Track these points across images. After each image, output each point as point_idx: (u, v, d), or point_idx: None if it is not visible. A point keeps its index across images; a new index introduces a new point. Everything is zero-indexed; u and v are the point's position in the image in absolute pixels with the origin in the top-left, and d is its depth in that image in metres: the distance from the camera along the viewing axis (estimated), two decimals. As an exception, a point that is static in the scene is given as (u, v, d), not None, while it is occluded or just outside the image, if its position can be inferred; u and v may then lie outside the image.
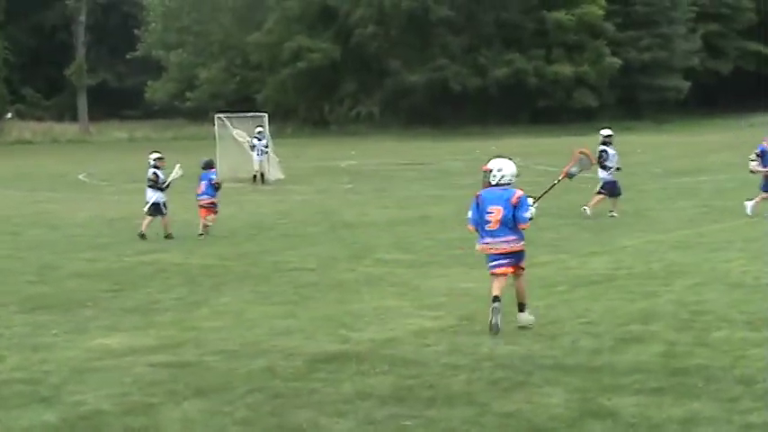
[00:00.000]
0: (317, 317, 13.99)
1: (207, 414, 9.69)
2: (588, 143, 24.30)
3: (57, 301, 15.68)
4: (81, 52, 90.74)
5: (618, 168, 25.73)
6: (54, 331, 13.47)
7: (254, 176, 38.98)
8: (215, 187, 24.07)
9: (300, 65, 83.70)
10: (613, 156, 25.67)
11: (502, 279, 12.73)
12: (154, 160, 24.13)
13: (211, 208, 23.95)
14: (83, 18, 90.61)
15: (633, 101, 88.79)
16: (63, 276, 18.20)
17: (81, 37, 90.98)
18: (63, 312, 14.79)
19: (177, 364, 11.52)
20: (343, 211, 28.08)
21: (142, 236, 22.97)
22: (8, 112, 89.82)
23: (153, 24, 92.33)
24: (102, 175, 45.51)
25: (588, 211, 25.03)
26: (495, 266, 12.78)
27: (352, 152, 59.39)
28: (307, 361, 11.48)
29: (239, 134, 40.90)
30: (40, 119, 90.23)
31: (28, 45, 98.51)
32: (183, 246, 21.91)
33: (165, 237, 23.24)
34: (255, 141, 39.19)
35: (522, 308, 12.93)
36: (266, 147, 39.58)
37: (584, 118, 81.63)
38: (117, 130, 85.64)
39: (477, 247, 13.05)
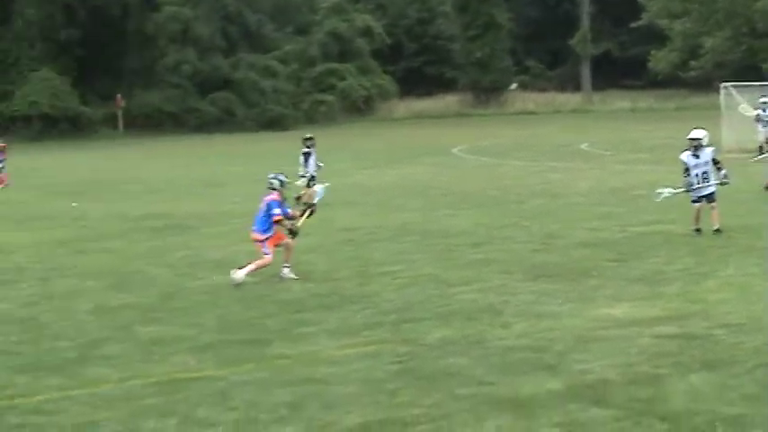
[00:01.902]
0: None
1: (713, 387, 9.42)
2: None
3: (561, 270, 15.82)
4: (585, 22, 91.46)
5: None
6: (559, 300, 13.60)
7: (760, 148, 37.35)
8: None
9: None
10: None
11: None
12: None
13: None
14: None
15: None
16: (567, 245, 18.33)
17: (585, 7, 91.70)
18: (567, 281, 14.90)
19: (684, 336, 11.26)
20: None
21: None
22: (513, 83, 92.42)
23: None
24: (605, 144, 45.56)
25: None
26: None
27: None
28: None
29: (744, 108, 39.31)
30: (543, 89, 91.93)
31: (532, 17, 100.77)
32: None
33: None
34: (760, 112, 37.56)
35: None
36: (773, 117, 37.85)
37: None
38: (619, 100, 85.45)
39: None
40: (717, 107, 42.18)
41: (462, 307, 13.45)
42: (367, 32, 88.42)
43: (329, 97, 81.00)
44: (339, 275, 16.29)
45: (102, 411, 9.68)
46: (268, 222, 16.54)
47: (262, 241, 16.59)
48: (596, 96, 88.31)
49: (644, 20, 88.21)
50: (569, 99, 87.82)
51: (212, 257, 18.72)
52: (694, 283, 14.29)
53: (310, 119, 78.35)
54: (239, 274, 16.00)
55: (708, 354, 10.52)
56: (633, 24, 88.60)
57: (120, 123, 72.85)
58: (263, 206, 16.67)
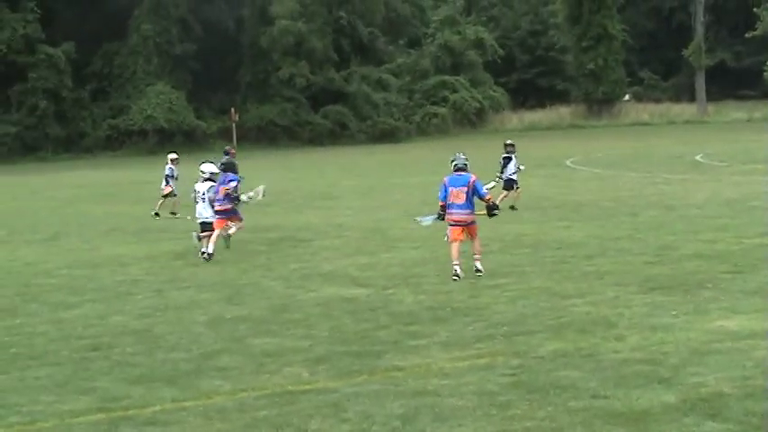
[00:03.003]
0: None
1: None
2: None
3: (675, 282, 15.60)
4: (699, 32, 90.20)
5: None
6: (673, 312, 13.41)
7: None
8: None
9: None
10: None
11: None
12: None
13: None
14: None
15: None
16: (681, 257, 18.06)
17: (700, 17, 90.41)
18: (682, 293, 14.68)
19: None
20: None
21: None
22: (626, 94, 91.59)
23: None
24: (720, 155, 44.84)
25: None
26: None
27: None
28: None
29: None
30: (657, 100, 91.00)
31: (646, 28, 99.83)
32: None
33: None
34: None
35: None
36: None
37: None
38: (734, 111, 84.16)
39: None
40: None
41: (575, 319, 13.35)
42: (479, 45, 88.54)
43: (441, 109, 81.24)
44: (451, 287, 16.29)
45: (215, 423, 9.81)
46: (473, 203, 17.59)
47: (473, 222, 17.61)
48: (711, 107, 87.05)
49: (759, 30, 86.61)
50: (684, 110, 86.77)
51: (325, 270, 18.87)
52: (816, 296, 13.97)
53: (423, 131, 78.63)
54: (479, 264, 17.40)
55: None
56: (748, 34, 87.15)
57: (234, 137, 73.89)
58: (462, 188, 17.45)
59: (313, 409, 10.03)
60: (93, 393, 11.06)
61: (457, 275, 16.99)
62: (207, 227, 21.58)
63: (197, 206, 22.03)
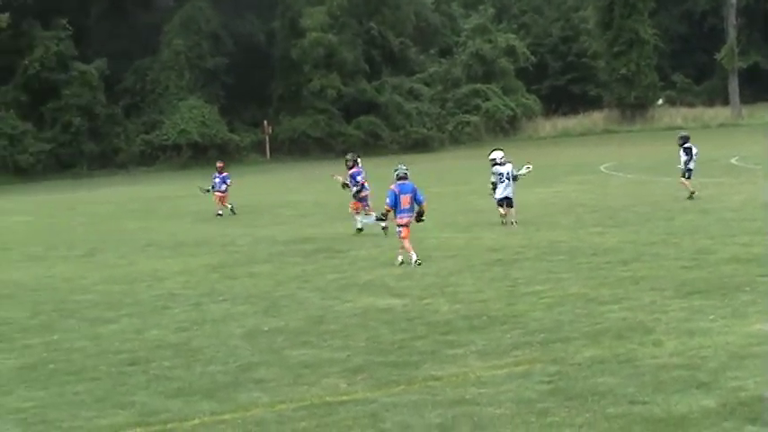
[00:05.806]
0: None
1: None
2: None
3: (712, 286, 15.51)
4: (732, 35, 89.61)
5: None
6: (711, 316, 13.34)
7: None
8: None
9: None
10: None
11: None
12: None
13: None
14: (734, 1, 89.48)
15: None
16: (718, 261, 17.95)
17: (732, 20, 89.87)
18: (719, 297, 14.60)
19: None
20: None
21: None
22: (659, 98, 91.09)
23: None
24: (755, 158, 44.49)
25: None
26: None
27: None
28: None
29: None
30: (690, 104, 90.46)
31: (678, 31, 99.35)
32: None
33: None
34: None
35: None
36: None
37: None
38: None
39: None
40: None
41: (612, 325, 13.30)
42: (511, 52, 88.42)
43: (474, 118, 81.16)
44: (487, 296, 16.28)
45: (255, 434, 9.84)
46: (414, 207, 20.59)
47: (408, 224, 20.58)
48: (745, 110, 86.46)
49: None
50: (717, 113, 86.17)
51: (361, 280, 18.89)
52: None
53: (455, 140, 78.56)
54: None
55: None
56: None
57: (268, 149, 74.20)
58: (409, 194, 20.43)
59: (351, 420, 10.04)
60: (132, 408, 11.13)
61: (419, 261, 19.90)
62: (509, 201, 26.13)
63: (500, 185, 26.24)
